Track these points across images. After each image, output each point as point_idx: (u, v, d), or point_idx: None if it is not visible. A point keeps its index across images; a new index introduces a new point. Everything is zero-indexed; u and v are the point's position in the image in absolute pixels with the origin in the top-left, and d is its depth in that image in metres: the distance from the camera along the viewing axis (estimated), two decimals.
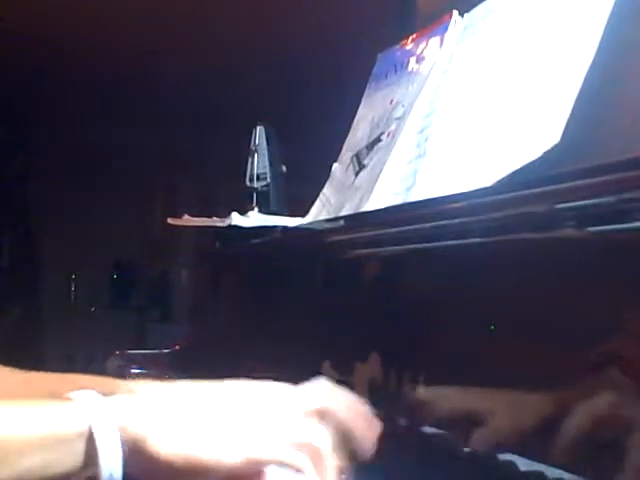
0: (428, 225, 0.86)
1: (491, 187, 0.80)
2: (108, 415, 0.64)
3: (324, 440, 0.67)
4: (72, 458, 0.63)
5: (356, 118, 1.30)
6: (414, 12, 1.97)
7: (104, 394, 0.74)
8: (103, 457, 0.63)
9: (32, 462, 0.62)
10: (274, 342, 1.27)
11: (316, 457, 0.66)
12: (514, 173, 0.78)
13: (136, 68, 4.45)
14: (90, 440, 0.63)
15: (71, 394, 0.66)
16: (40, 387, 0.90)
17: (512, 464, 0.70)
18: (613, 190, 0.60)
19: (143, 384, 0.88)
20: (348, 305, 1.07)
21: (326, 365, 1.07)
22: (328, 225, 1.16)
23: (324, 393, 0.73)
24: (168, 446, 0.64)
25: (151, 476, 0.65)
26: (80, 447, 0.63)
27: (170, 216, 1.61)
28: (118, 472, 0.63)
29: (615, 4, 0.79)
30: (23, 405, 0.66)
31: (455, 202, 0.83)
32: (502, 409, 0.73)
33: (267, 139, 1.65)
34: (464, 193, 0.82)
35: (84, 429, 0.63)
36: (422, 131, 1.05)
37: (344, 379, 1.02)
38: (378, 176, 1.10)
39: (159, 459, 0.64)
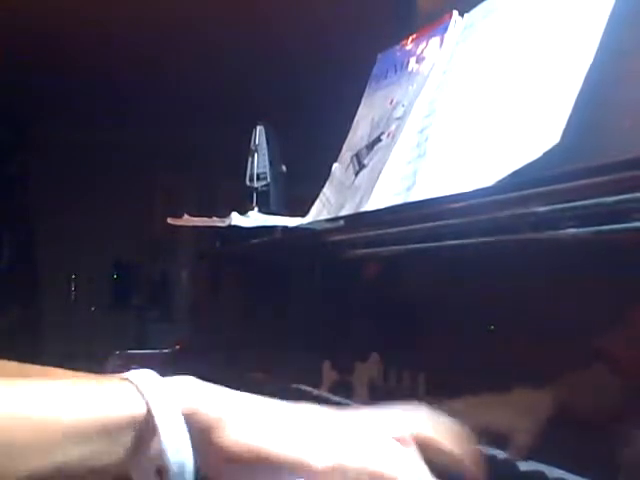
0: (428, 225, 0.86)
1: (491, 187, 0.80)
2: (170, 397, 0.56)
3: (407, 464, 0.60)
4: (123, 448, 0.55)
5: (356, 118, 1.30)
6: (414, 12, 1.97)
7: None
8: (169, 445, 0.54)
9: (80, 450, 0.55)
10: (274, 342, 1.27)
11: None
12: (514, 173, 0.78)
13: (136, 68, 4.45)
14: (146, 425, 0.55)
15: (126, 374, 0.58)
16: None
17: (512, 464, 0.70)
18: (613, 190, 0.60)
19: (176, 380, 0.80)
20: (348, 305, 1.07)
21: (326, 365, 1.07)
22: (328, 225, 1.16)
23: (422, 419, 0.65)
24: (243, 436, 0.56)
25: (217, 472, 0.57)
26: (133, 434, 0.55)
27: (170, 216, 1.61)
28: (189, 463, 0.55)
29: (615, 5, 0.79)
30: (67, 384, 0.58)
31: (455, 202, 0.83)
32: (502, 409, 0.73)
33: (267, 139, 1.65)
34: (464, 193, 0.82)
35: (141, 412, 0.55)
36: (422, 131, 1.05)
37: (344, 379, 1.02)
38: (378, 176, 1.10)
39: (230, 450, 0.56)
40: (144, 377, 0.58)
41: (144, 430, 0.55)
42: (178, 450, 0.54)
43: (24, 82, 4.62)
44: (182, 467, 0.54)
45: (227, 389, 0.61)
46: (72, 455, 0.54)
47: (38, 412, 0.54)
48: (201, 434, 0.56)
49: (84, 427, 0.55)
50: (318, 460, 0.57)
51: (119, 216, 5.74)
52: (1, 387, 0.55)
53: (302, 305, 1.22)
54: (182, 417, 0.55)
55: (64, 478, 0.54)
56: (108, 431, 0.55)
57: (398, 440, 0.61)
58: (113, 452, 0.55)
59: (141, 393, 0.56)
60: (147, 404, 0.55)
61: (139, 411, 0.55)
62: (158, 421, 0.55)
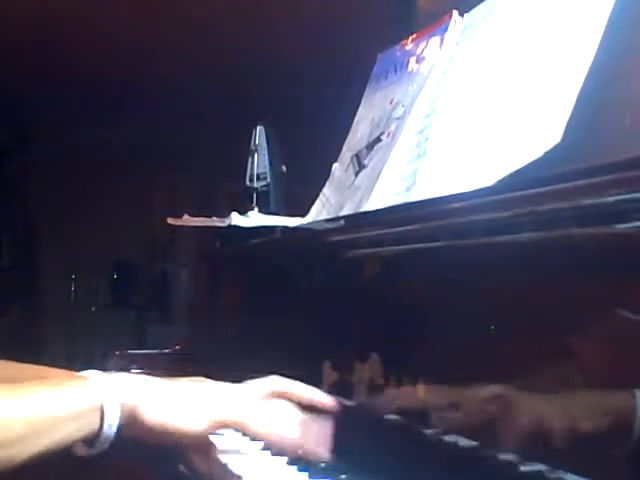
0: (428, 225, 0.86)
1: (491, 187, 0.80)
2: (113, 390, 0.84)
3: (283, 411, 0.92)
4: (90, 426, 0.82)
5: (356, 118, 1.30)
6: (414, 12, 1.97)
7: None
8: (107, 421, 0.83)
9: (60, 434, 0.80)
10: (274, 342, 1.27)
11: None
12: (514, 173, 0.78)
13: (136, 68, 4.45)
14: (101, 411, 0.82)
15: (84, 373, 0.87)
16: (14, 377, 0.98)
17: (512, 464, 0.70)
18: (613, 190, 0.60)
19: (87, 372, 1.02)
20: (348, 305, 1.07)
21: (326, 365, 1.07)
22: (328, 225, 1.16)
23: (276, 381, 0.95)
24: (152, 415, 0.86)
25: (141, 437, 0.86)
26: (96, 417, 0.82)
27: (170, 216, 1.61)
28: (113, 428, 0.83)
29: (615, 4, 0.79)
30: (47, 386, 0.84)
31: (455, 202, 0.83)
32: (502, 409, 0.73)
33: (267, 139, 1.65)
34: (464, 193, 0.82)
35: (98, 404, 0.82)
36: (422, 131, 1.05)
37: (344, 379, 1.02)
38: (378, 176, 1.10)
39: (145, 424, 0.85)
40: (97, 377, 0.86)
41: (101, 414, 0.83)
42: (111, 420, 0.83)
43: (24, 83, 4.62)
44: (110, 427, 0.83)
45: (150, 379, 0.91)
46: (57, 437, 0.81)
47: (30, 410, 0.80)
48: (129, 413, 0.85)
49: (64, 417, 0.81)
50: (199, 423, 0.87)
51: (119, 216, 5.73)
52: None
53: (302, 305, 1.22)
54: (118, 404, 0.84)
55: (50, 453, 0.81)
56: (81, 416, 0.82)
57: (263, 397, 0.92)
58: (85, 429, 0.82)
59: (96, 389, 0.84)
60: (101, 397, 0.83)
61: (97, 402, 0.83)
62: (105, 408, 0.83)
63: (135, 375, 0.94)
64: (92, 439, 0.84)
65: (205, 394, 0.91)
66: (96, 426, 0.83)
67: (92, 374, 0.87)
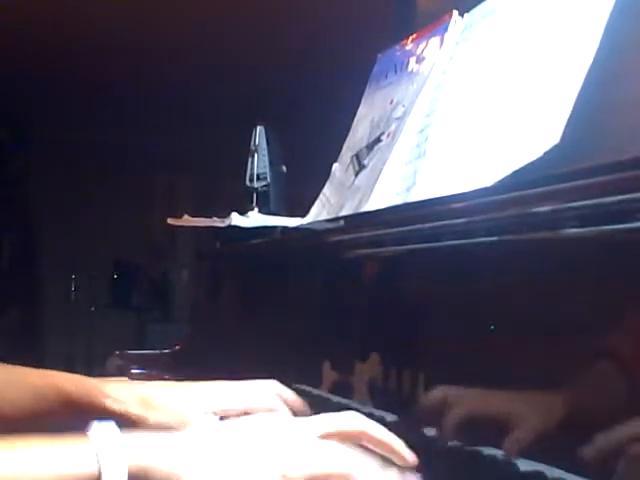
0: (428, 225, 0.86)
1: (491, 187, 0.80)
2: (119, 454, 0.62)
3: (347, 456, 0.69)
4: None
5: (356, 118, 1.30)
6: (414, 12, 1.97)
7: (77, 396, 0.86)
8: None
9: None
10: (274, 342, 1.27)
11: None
12: (514, 173, 0.78)
13: (136, 68, 4.45)
14: None
15: (90, 429, 0.64)
16: (14, 381, 0.93)
17: (512, 464, 0.70)
18: (613, 190, 0.60)
19: (114, 385, 0.95)
20: (348, 305, 1.07)
21: (326, 365, 1.07)
22: (328, 225, 1.16)
23: (350, 418, 0.75)
24: None
25: None
26: None
27: (170, 216, 1.61)
28: None
29: (615, 4, 0.79)
30: (32, 446, 0.63)
31: (455, 202, 0.83)
32: (503, 409, 0.73)
33: (267, 139, 1.65)
34: (464, 193, 0.82)
35: (94, 471, 0.61)
36: (422, 131, 1.05)
37: (344, 379, 1.02)
38: (378, 176, 1.10)
39: None
40: (103, 436, 0.63)
41: None
42: None
43: (24, 82, 4.62)
44: None
45: (184, 439, 0.67)
46: None
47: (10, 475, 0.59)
48: None
49: None
50: None
51: (119, 216, 5.74)
52: None
53: (302, 305, 1.22)
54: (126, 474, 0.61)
55: None
56: None
57: (325, 437, 0.71)
58: None
59: (96, 454, 0.62)
60: (99, 467, 0.61)
61: (90, 473, 0.61)
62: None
63: (159, 437, 0.67)
64: None
65: (255, 454, 0.67)
66: None
67: (97, 431, 0.64)
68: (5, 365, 0.95)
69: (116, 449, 0.62)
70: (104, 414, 0.87)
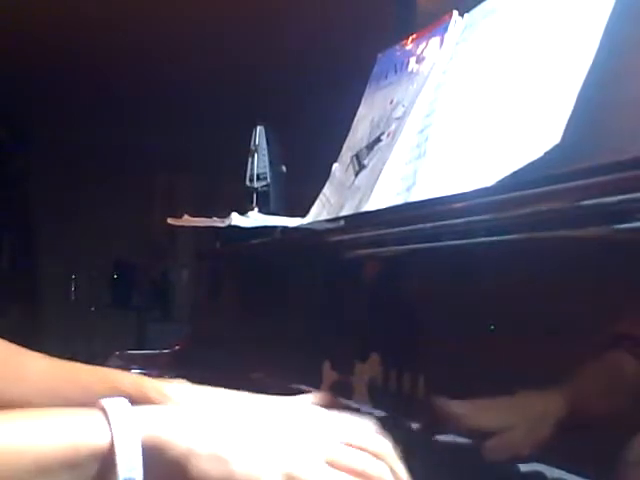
0: (428, 225, 0.86)
1: (491, 187, 0.80)
2: (135, 430, 0.60)
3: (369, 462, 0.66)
4: (91, 475, 0.59)
5: (356, 118, 1.30)
6: (414, 12, 1.97)
7: (134, 397, 0.77)
8: (122, 470, 0.59)
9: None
10: (274, 342, 1.27)
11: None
12: (514, 173, 0.78)
13: (136, 68, 4.45)
14: (108, 459, 0.59)
15: (101, 402, 0.63)
16: (68, 378, 0.90)
17: (512, 464, 0.70)
18: (613, 190, 0.60)
19: (173, 385, 0.89)
20: (348, 305, 1.07)
21: (326, 365, 1.07)
22: (328, 225, 1.16)
23: (366, 432, 0.71)
24: (209, 471, 0.61)
25: None
26: (96, 467, 0.59)
27: (170, 216, 1.61)
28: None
29: (615, 4, 0.79)
30: (35, 416, 0.62)
31: (455, 202, 0.83)
32: (503, 409, 0.73)
33: (267, 139, 1.65)
34: (464, 193, 0.82)
35: (104, 445, 0.59)
36: (422, 131, 1.05)
37: (344, 379, 1.02)
38: (378, 176, 1.10)
39: (189, 476, 0.61)
40: (115, 408, 0.61)
41: (106, 464, 0.59)
42: (129, 470, 0.59)
43: (24, 82, 4.62)
44: None
45: (198, 415, 0.65)
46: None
47: (7, 448, 0.58)
48: (167, 467, 0.60)
49: (48, 461, 0.58)
50: (270, 477, 0.61)
51: (119, 216, 5.74)
52: None
53: (302, 305, 1.22)
54: (140, 452, 0.59)
55: None
56: (71, 465, 0.59)
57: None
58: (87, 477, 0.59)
59: (109, 425, 0.60)
60: (111, 438, 0.59)
61: (102, 444, 0.59)
62: (118, 455, 0.59)
63: (171, 408, 0.67)
64: None
65: (273, 436, 0.65)
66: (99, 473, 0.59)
67: (109, 404, 0.62)
68: (58, 360, 0.93)
69: (129, 420, 0.60)
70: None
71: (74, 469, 0.59)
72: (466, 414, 0.78)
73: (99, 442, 0.60)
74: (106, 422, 0.60)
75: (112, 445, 0.59)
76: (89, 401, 0.79)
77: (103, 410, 0.61)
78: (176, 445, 0.61)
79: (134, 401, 0.80)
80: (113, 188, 5.75)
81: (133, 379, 0.90)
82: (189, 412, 0.66)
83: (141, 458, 0.59)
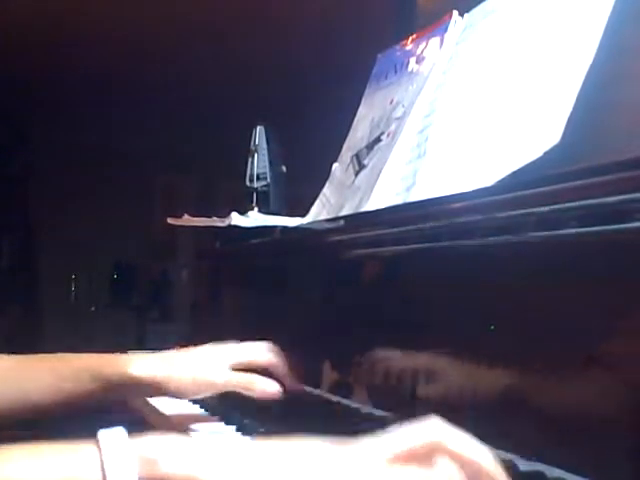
0: (428, 225, 0.86)
1: (491, 187, 0.80)
2: (127, 463, 0.57)
3: None
4: None
5: (356, 118, 1.30)
6: (414, 12, 1.97)
7: (96, 368, 0.98)
8: None
9: None
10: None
11: None
12: (514, 173, 0.78)
13: (136, 68, 4.45)
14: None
15: (98, 434, 0.59)
16: (37, 369, 1.03)
17: (512, 464, 0.70)
18: (613, 190, 0.60)
19: (139, 356, 1.06)
20: (348, 305, 1.07)
21: (326, 365, 1.07)
22: (328, 225, 1.16)
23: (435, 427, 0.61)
24: None
25: None
26: None
27: (170, 216, 1.61)
28: None
29: (615, 5, 0.79)
30: (27, 453, 0.59)
31: (455, 202, 0.83)
32: (502, 408, 0.73)
33: (267, 139, 1.65)
34: (464, 193, 0.82)
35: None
36: (422, 131, 1.05)
37: (344, 379, 1.02)
38: (378, 176, 1.10)
39: None
40: (109, 442, 0.58)
41: None
42: None
43: (24, 82, 4.62)
44: None
45: (196, 442, 0.62)
46: None
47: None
48: None
49: None
50: None
51: (119, 216, 5.73)
52: None
53: (302, 305, 1.22)
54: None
55: None
56: None
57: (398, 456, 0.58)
58: None
59: (101, 462, 0.57)
60: (104, 476, 0.56)
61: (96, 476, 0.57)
62: None
63: (180, 440, 0.61)
64: None
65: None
66: None
67: (105, 438, 0.59)
68: (22, 355, 1.04)
69: (124, 454, 0.57)
70: (133, 382, 1.00)
71: None
72: (465, 412, 0.78)
73: (91, 478, 0.57)
74: (99, 457, 0.57)
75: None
76: (59, 385, 0.97)
77: (97, 444, 0.58)
78: (175, 474, 0.58)
79: (109, 377, 0.99)
80: (113, 188, 5.75)
81: (97, 356, 1.05)
82: (190, 441, 0.62)
83: None
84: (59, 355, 1.06)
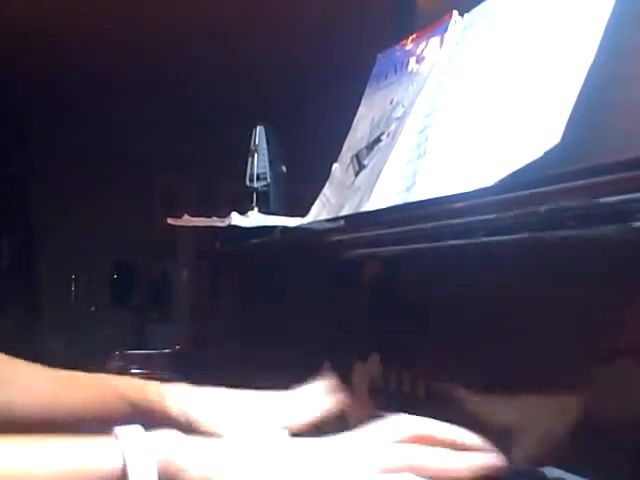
0: (428, 225, 0.86)
1: (491, 187, 0.80)
2: (147, 451, 0.60)
3: None
4: None
5: (356, 118, 1.30)
6: (414, 12, 1.97)
7: (134, 399, 0.83)
8: None
9: None
10: (274, 342, 1.27)
11: None
12: (514, 173, 0.78)
13: (136, 67, 4.45)
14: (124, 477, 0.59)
15: (116, 429, 0.63)
16: (67, 386, 0.90)
17: (512, 464, 0.70)
18: (613, 190, 0.60)
19: (172, 386, 0.91)
20: (348, 305, 1.07)
21: (326, 365, 1.07)
22: (328, 225, 1.16)
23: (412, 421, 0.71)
24: None
25: None
26: None
27: (170, 216, 1.61)
28: None
29: (615, 5, 0.79)
30: (54, 440, 0.62)
31: (455, 202, 0.83)
32: (503, 409, 0.73)
33: (267, 139, 1.65)
34: (464, 193, 0.82)
35: (118, 466, 0.60)
36: (422, 131, 1.05)
37: (344, 379, 1.02)
38: (378, 176, 1.10)
39: None
40: (128, 434, 0.61)
41: None
42: None
43: (24, 82, 4.62)
44: None
45: (213, 442, 0.65)
46: None
47: (21, 472, 0.59)
48: None
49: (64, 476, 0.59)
50: None
51: (119, 216, 5.73)
52: None
53: (302, 305, 1.22)
54: (156, 476, 0.59)
55: None
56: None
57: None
58: None
59: (121, 450, 0.60)
60: (124, 462, 0.59)
61: (115, 468, 0.59)
62: (130, 475, 0.59)
63: (195, 438, 0.65)
64: None
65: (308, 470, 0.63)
66: None
67: (124, 430, 0.63)
68: (55, 370, 0.93)
69: (142, 445, 0.60)
70: (163, 418, 0.86)
71: None
72: (465, 413, 0.78)
73: (111, 466, 0.60)
74: (119, 447, 0.60)
75: (125, 468, 0.59)
76: (90, 408, 0.84)
77: (116, 436, 0.61)
78: (192, 470, 0.61)
79: (134, 403, 0.85)
80: (113, 188, 5.75)
81: (132, 382, 0.91)
82: (207, 439, 0.66)
83: None
84: (94, 376, 0.95)
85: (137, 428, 0.62)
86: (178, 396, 0.89)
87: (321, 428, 0.90)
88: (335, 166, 1.31)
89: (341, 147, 1.30)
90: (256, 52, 4.10)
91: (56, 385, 0.90)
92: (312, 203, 1.33)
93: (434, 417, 0.82)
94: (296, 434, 0.85)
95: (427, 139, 1.02)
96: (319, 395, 0.93)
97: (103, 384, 0.90)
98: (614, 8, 0.79)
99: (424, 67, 1.13)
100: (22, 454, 0.60)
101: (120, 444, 0.60)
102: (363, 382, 0.98)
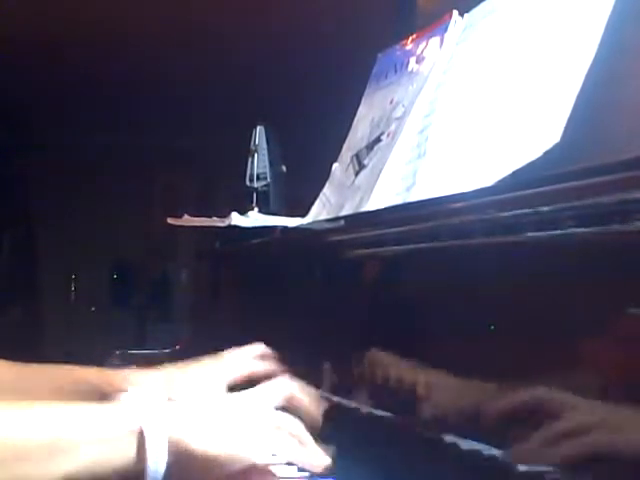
0: (428, 225, 0.86)
1: (491, 187, 0.80)
2: (157, 417, 0.73)
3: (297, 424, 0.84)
4: (123, 454, 0.72)
5: (356, 118, 1.30)
6: (414, 12, 1.98)
7: (98, 385, 0.98)
8: (151, 454, 0.71)
9: (88, 456, 0.70)
10: (274, 342, 1.27)
11: (297, 437, 0.83)
12: (514, 173, 0.78)
13: (136, 68, 4.45)
14: (140, 439, 0.72)
15: (122, 395, 0.79)
16: (37, 379, 1.01)
17: (512, 464, 0.70)
18: (613, 190, 0.60)
19: (139, 374, 1.06)
20: (348, 305, 1.07)
21: (326, 365, 1.07)
22: (328, 225, 1.16)
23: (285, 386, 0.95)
24: (205, 444, 0.75)
25: (186, 468, 0.75)
26: (132, 445, 0.72)
27: (170, 216, 1.61)
28: (162, 467, 0.72)
29: (615, 4, 0.79)
30: (78, 406, 0.75)
31: (455, 202, 0.83)
32: (503, 409, 0.73)
33: (267, 139, 1.65)
34: (464, 193, 0.82)
35: (135, 429, 0.72)
36: (422, 131, 1.05)
37: (344, 379, 1.02)
38: (378, 176, 1.10)
39: (197, 454, 0.74)
40: (137, 399, 0.76)
41: (140, 442, 0.72)
42: (156, 456, 0.72)
43: (24, 82, 4.62)
44: (156, 470, 0.72)
45: (193, 405, 0.82)
46: (80, 461, 0.70)
47: (53, 432, 0.70)
48: (177, 444, 0.73)
49: (93, 436, 0.71)
50: (251, 453, 0.79)
51: (119, 216, 5.73)
52: (15, 411, 0.71)
53: (302, 305, 1.22)
54: (165, 433, 0.73)
55: None
56: (111, 440, 0.72)
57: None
58: (117, 456, 0.72)
59: (136, 413, 0.74)
60: (140, 421, 0.73)
61: (134, 427, 0.72)
62: (146, 435, 0.72)
63: (180, 405, 0.81)
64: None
65: (245, 425, 0.81)
66: (132, 453, 0.72)
67: (131, 395, 0.79)
68: (20, 364, 1.01)
69: (156, 410, 0.74)
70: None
71: (118, 440, 0.72)
72: (465, 413, 0.78)
73: (132, 426, 0.72)
74: (133, 410, 0.74)
75: (141, 429, 0.72)
76: (57, 398, 0.94)
77: (129, 398, 0.77)
78: (179, 428, 0.75)
79: (100, 390, 0.98)
80: (113, 188, 5.75)
81: (96, 370, 1.06)
82: (184, 406, 0.80)
83: (166, 443, 0.72)
84: (59, 366, 1.06)
85: (142, 394, 0.77)
86: (140, 377, 1.03)
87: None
88: (335, 166, 1.31)
89: (341, 147, 1.30)
90: (256, 52, 4.10)
91: (22, 377, 1.00)
92: (312, 203, 1.33)
93: (434, 416, 0.82)
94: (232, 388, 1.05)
95: (427, 139, 1.02)
96: (248, 357, 1.11)
97: (70, 374, 1.03)
98: (614, 7, 0.79)
99: (424, 67, 1.13)
100: (49, 412, 0.72)
101: (135, 409, 0.74)
102: (363, 382, 0.98)
